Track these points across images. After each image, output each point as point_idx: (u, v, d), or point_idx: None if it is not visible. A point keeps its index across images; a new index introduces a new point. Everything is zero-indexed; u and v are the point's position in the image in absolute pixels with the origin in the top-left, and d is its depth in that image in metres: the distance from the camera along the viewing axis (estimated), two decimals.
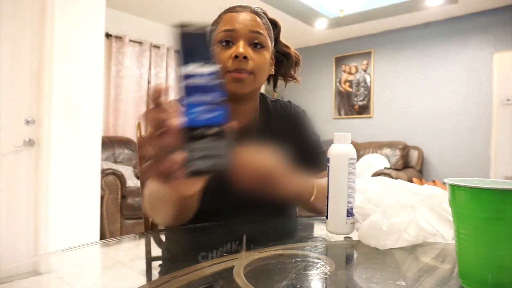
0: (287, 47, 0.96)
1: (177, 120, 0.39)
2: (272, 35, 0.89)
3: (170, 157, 0.39)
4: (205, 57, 0.39)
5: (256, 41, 0.79)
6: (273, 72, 0.92)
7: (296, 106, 0.98)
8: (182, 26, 0.40)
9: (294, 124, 0.94)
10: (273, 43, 0.89)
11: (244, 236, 0.66)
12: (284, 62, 0.96)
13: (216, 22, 0.82)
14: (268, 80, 0.97)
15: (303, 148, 0.91)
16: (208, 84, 0.38)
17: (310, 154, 0.91)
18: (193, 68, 0.39)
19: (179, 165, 0.39)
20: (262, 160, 0.66)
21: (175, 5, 3.74)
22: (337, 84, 5.04)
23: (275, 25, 0.92)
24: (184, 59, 0.39)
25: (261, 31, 0.80)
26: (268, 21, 0.87)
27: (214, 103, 0.38)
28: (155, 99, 0.41)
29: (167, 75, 4.27)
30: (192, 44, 0.40)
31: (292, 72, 0.97)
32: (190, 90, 0.38)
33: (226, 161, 0.38)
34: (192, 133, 0.38)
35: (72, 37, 2.10)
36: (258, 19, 0.82)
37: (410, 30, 4.39)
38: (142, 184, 0.85)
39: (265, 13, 0.89)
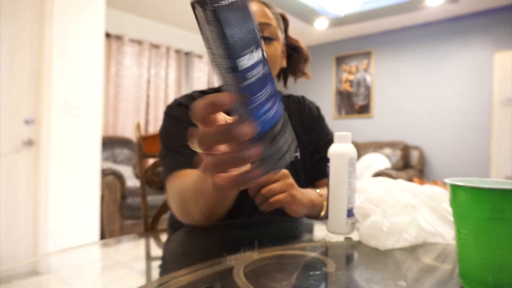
0: (296, 40, 0.92)
1: (248, 136, 0.29)
2: (282, 26, 0.85)
3: (244, 160, 0.32)
4: (253, 35, 0.28)
5: (265, 34, 0.76)
6: (285, 65, 0.89)
7: (310, 102, 0.95)
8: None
9: (308, 121, 0.90)
10: (283, 34, 0.85)
11: (245, 237, 0.66)
12: (294, 56, 0.92)
13: None
14: (278, 76, 0.94)
15: (317, 147, 0.89)
16: (266, 73, 0.29)
17: (323, 153, 0.87)
18: (248, 58, 0.28)
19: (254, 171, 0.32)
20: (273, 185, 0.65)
21: (174, 5, 3.74)
22: (338, 83, 5.03)
23: (283, 19, 0.89)
24: (233, 47, 0.27)
25: (270, 22, 0.77)
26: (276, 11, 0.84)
27: (274, 94, 0.30)
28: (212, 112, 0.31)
29: (167, 74, 4.27)
30: (239, 21, 0.28)
31: (302, 67, 0.94)
32: (252, 90, 0.28)
33: (294, 150, 0.33)
34: (263, 139, 0.30)
35: (71, 36, 2.10)
36: (266, 10, 0.78)
37: (410, 30, 4.39)
38: (166, 174, 0.75)
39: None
